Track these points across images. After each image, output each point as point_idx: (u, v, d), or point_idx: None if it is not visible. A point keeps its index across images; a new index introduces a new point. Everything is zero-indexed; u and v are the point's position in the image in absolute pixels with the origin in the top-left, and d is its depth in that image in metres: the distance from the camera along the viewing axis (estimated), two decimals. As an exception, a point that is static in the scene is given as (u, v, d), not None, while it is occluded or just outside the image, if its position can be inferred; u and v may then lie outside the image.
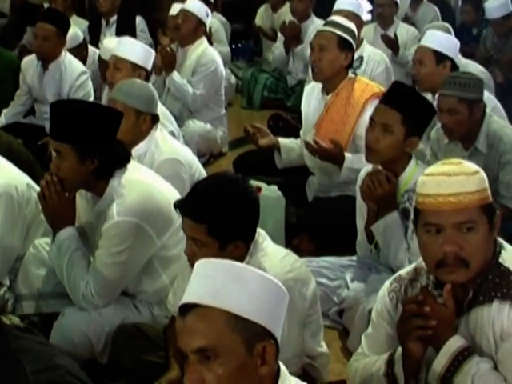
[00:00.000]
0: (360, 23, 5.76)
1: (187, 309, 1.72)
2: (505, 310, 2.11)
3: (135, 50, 4.54)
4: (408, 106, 3.27)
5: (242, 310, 1.70)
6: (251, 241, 2.52)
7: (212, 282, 1.73)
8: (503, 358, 2.12)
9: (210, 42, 6.73)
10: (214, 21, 7.23)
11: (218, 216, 2.38)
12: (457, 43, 4.71)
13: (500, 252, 2.19)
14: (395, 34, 6.42)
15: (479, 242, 2.12)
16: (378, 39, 6.56)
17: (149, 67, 4.59)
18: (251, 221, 2.50)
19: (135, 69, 4.48)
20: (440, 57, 4.50)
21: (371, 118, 3.37)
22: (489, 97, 4.57)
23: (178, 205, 2.47)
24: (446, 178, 2.13)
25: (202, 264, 1.79)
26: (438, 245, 2.14)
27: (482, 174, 2.17)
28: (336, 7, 5.80)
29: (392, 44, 6.36)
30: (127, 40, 4.72)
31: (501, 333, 2.11)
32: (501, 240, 2.24)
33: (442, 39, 4.58)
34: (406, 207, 3.29)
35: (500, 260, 2.18)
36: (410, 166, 3.33)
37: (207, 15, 5.81)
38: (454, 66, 4.54)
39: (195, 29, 5.70)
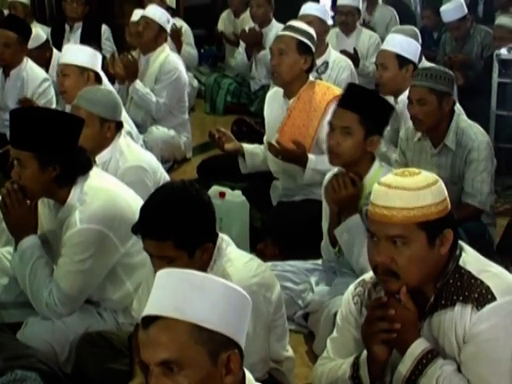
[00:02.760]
0: (325, 28, 5.81)
1: (150, 321, 1.70)
2: (467, 313, 2.12)
3: (79, 53, 4.53)
4: (364, 106, 3.29)
5: (205, 321, 1.69)
6: (216, 238, 2.52)
7: (174, 293, 1.71)
8: (466, 360, 2.14)
9: (181, 42, 6.74)
10: (182, 23, 7.23)
11: (180, 228, 2.37)
12: (418, 47, 4.75)
13: (460, 255, 2.21)
14: (354, 49, 6.46)
15: (412, 257, 2.12)
16: (340, 45, 6.60)
17: (97, 68, 4.57)
18: (210, 221, 2.49)
19: (82, 72, 4.46)
20: (402, 61, 4.54)
21: (330, 122, 3.39)
22: None
23: (136, 229, 2.44)
24: (387, 189, 2.14)
25: (163, 275, 1.77)
26: (373, 252, 2.18)
27: (430, 190, 2.14)
28: (302, 12, 5.84)
29: (351, 57, 6.41)
30: (71, 47, 4.76)
31: (463, 335, 2.13)
32: (462, 243, 2.25)
33: (403, 43, 4.62)
34: None
35: (460, 263, 2.19)
36: (373, 167, 3.34)
37: (168, 21, 5.79)
38: (416, 69, 4.57)
39: (156, 36, 5.68)
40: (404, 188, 2.12)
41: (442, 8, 7.05)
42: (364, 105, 3.29)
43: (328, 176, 3.49)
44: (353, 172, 3.34)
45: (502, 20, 6.58)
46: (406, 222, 2.10)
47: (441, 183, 2.19)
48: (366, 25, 7.64)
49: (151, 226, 2.40)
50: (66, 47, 4.82)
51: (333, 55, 5.74)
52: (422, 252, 2.13)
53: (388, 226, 2.12)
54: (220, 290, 1.73)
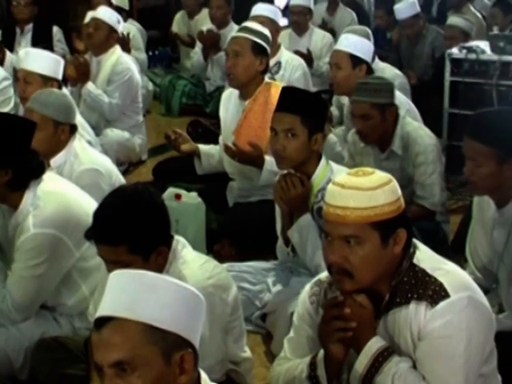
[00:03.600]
0: (277, 28, 5.83)
1: (102, 322, 1.70)
2: (421, 310, 2.14)
3: (43, 61, 4.47)
4: (303, 106, 3.32)
5: (157, 321, 1.68)
6: (171, 241, 2.51)
7: (126, 294, 1.70)
8: (421, 357, 2.15)
9: (129, 49, 6.70)
10: (130, 27, 7.20)
11: (134, 232, 2.36)
12: (371, 46, 4.78)
13: (414, 253, 2.23)
14: (308, 49, 6.50)
15: (365, 257, 2.14)
16: (294, 46, 6.64)
17: (59, 76, 4.53)
18: (164, 223, 2.49)
19: (46, 81, 4.41)
20: (356, 60, 4.55)
21: (272, 128, 3.40)
22: (404, 99, 4.66)
23: (90, 235, 2.42)
24: (340, 189, 2.15)
25: (115, 276, 1.77)
26: (327, 252, 2.19)
27: (383, 189, 2.14)
28: (253, 13, 5.86)
29: (305, 58, 6.44)
30: (34, 52, 4.65)
31: (418, 333, 2.15)
32: (416, 241, 2.27)
33: (356, 43, 4.64)
34: (320, 206, 3.33)
35: (415, 261, 2.21)
36: (320, 165, 3.37)
37: (118, 22, 5.75)
38: (370, 69, 4.61)
39: (107, 37, 5.63)
40: (357, 188, 2.13)
41: (396, 6, 7.13)
42: (303, 105, 3.32)
43: (277, 177, 3.50)
44: (301, 172, 3.36)
45: (453, 20, 6.68)
46: (359, 222, 2.12)
47: (394, 183, 2.20)
48: (325, 25, 7.70)
49: (104, 231, 2.38)
50: (26, 51, 4.75)
51: (285, 55, 5.76)
52: (375, 251, 2.14)
53: (341, 225, 2.14)
54: (172, 289, 1.73)
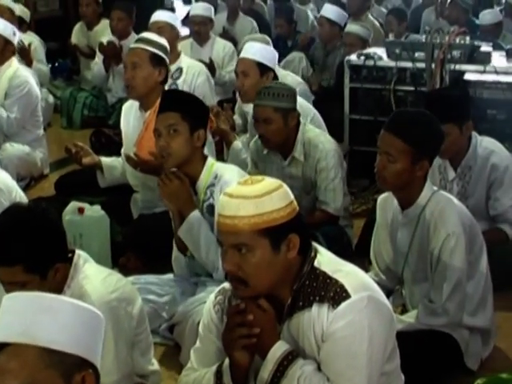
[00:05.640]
0: (176, 34, 5.83)
1: None
2: (324, 312, 2.16)
3: None
4: (181, 103, 3.39)
5: (54, 343, 1.65)
6: (69, 257, 2.47)
7: (21, 318, 1.66)
8: (325, 358, 2.18)
9: (30, 60, 6.57)
10: (32, 39, 7.07)
11: (28, 252, 2.32)
12: (276, 54, 4.85)
13: (315, 257, 2.25)
14: (210, 59, 6.52)
15: (257, 264, 2.15)
16: (196, 55, 6.64)
17: None
18: (60, 239, 2.45)
19: None
20: (263, 68, 4.60)
21: (155, 129, 3.44)
22: (308, 106, 4.72)
23: None
24: (229, 199, 2.16)
25: (9, 299, 1.72)
26: (223, 261, 2.21)
27: (271, 196, 2.14)
28: (152, 19, 5.87)
29: (207, 67, 6.46)
30: None
31: (321, 334, 2.17)
32: (316, 245, 2.30)
33: (262, 51, 4.70)
34: (210, 203, 3.36)
35: (316, 264, 2.23)
36: (207, 163, 3.41)
37: (14, 34, 5.62)
38: (275, 77, 4.66)
39: (2, 49, 5.49)
40: (244, 197, 2.14)
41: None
42: (181, 102, 3.40)
43: None
44: (186, 172, 3.40)
45: (351, 27, 6.82)
46: (247, 230, 2.12)
47: (284, 189, 2.21)
48: (226, 34, 7.74)
49: None
50: None
51: (186, 61, 5.77)
52: (266, 258, 2.15)
53: (231, 234, 2.15)
54: (69, 310, 1.70)
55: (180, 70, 5.61)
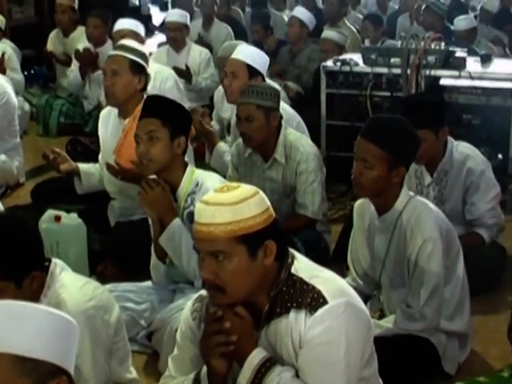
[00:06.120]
0: (140, 41, 5.79)
1: None
2: (301, 318, 2.16)
3: None
4: (162, 110, 3.39)
5: (28, 351, 1.64)
6: (46, 265, 2.46)
7: None
8: (303, 364, 2.17)
9: (4, 69, 6.52)
10: (5, 47, 7.01)
11: (4, 258, 2.30)
12: (267, 59, 4.83)
13: (292, 263, 2.24)
14: (186, 65, 6.51)
15: (235, 271, 2.14)
16: (172, 62, 6.64)
17: None
18: (37, 247, 2.43)
19: None
20: (253, 71, 4.61)
21: (136, 135, 3.43)
22: (293, 113, 4.71)
23: None
24: (205, 206, 2.16)
25: None
26: (200, 269, 2.20)
27: (247, 203, 2.14)
28: (115, 27, 5.85)
29: (184, 73, 6.45)
30: None
31: (299, 341, 2.17)
32: (293, 251, 2.29)
33: (254, 54, 4.70)
34: (191, 211, 3.36)
35: (293, 271, 2.23)
36: (188, 170, 3.41)
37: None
38: (263, 82, 4.64)
39: (-24, 60, 5.49)
40: (220, 204, 2.14)
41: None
42: (162, 109, 3.39)
43: None
44: (166, 179, 3.39)
45: (327, 33, 6.85)
46: (224, 237, 2.12)
47: (260, 195, 2.20)
48: (201, 40, 7.74)
49: None
50: None
51: (153, 67, 5.71)
52: (244, 265, 2.15)
53: (208, 242, 2.14)
54: (41, 317, 1.69)
55: (148, 75, 5.58)
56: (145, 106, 3.46)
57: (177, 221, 3.36)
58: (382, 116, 3.80)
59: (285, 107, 4.46)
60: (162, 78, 5.65)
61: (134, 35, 5.59)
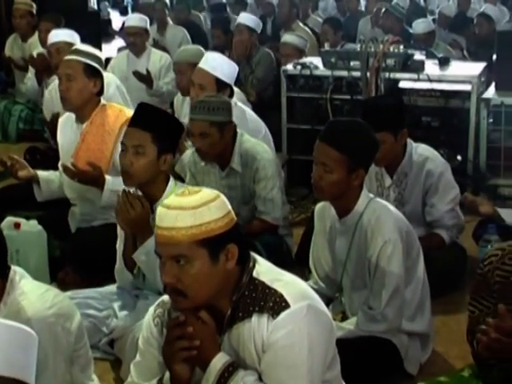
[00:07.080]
0: None
1: None
2: (263, 322, 2.16)
3: None
4: (155, 125, 3.31)
5: None
6: (7, 273, 2.42)
7: None
8: (266, 368, 2.18)
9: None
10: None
11: None
12: (236, 69, 4.73)
13: (254, 267, 2.25)
14: (147, 70, 6.48)
15: (196, 275, 2.14)
16: (132, 66, 6.60)
17: None
18: (1, 254, 2.40)
19: None
20: (221, 85, 4.54)
21: (122, 143, 3.39)
22: (260, 123, 4.68)
23: None
24: (166, 210, 2.15)
25: None
26: (161, 273, 2.19)
27: (208, 207, 2.14)
28: (49, 40, 5.59)
29: (144, 78, 6.42)
30: None
31: (262, 345, 2.17)
32: (254, 255, 2.30)
33: (224, 66, 4.59)
34: None
35: (254, 275, 2.23)
36: (169, 185, 3.37)
37: None
38: (231, 92, 4.61)
39: None
40: (181, 208, 2.13)
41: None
42: (155, 123, 3.32)
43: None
44: (147, 192, 3.34)
45: (286, 37, 6.87)
46: (185, 241, 2.12)
47: (222, 199, 2.20)
48: (156, 45, 7.71)
49: None
50: None
51: None
52: (205, 269, 2.15)
53: (169, 246, 2.14)
54: (0, 331, 1.66)
55: None
56: (137, 113, 3.38)
57: (153, 239, 3.30)
58: (340, 119, 3.81)
59: (250, 117, 4.42)
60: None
61: (70, 46, 5.44)
